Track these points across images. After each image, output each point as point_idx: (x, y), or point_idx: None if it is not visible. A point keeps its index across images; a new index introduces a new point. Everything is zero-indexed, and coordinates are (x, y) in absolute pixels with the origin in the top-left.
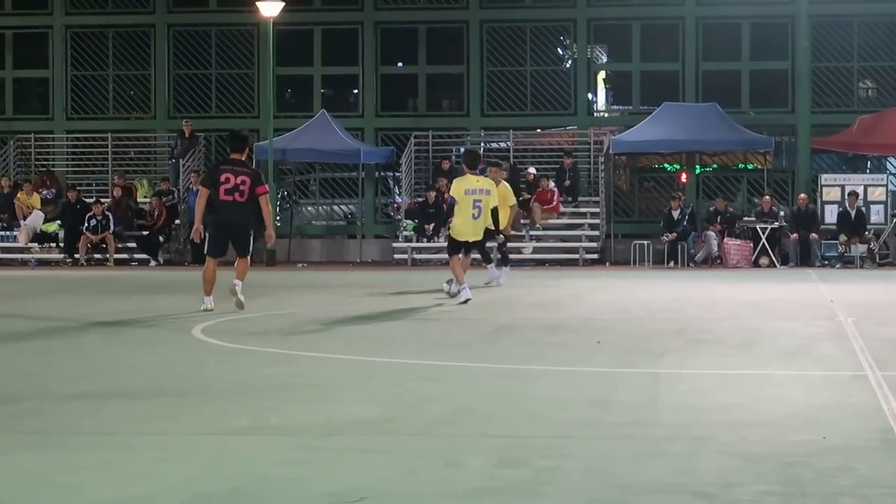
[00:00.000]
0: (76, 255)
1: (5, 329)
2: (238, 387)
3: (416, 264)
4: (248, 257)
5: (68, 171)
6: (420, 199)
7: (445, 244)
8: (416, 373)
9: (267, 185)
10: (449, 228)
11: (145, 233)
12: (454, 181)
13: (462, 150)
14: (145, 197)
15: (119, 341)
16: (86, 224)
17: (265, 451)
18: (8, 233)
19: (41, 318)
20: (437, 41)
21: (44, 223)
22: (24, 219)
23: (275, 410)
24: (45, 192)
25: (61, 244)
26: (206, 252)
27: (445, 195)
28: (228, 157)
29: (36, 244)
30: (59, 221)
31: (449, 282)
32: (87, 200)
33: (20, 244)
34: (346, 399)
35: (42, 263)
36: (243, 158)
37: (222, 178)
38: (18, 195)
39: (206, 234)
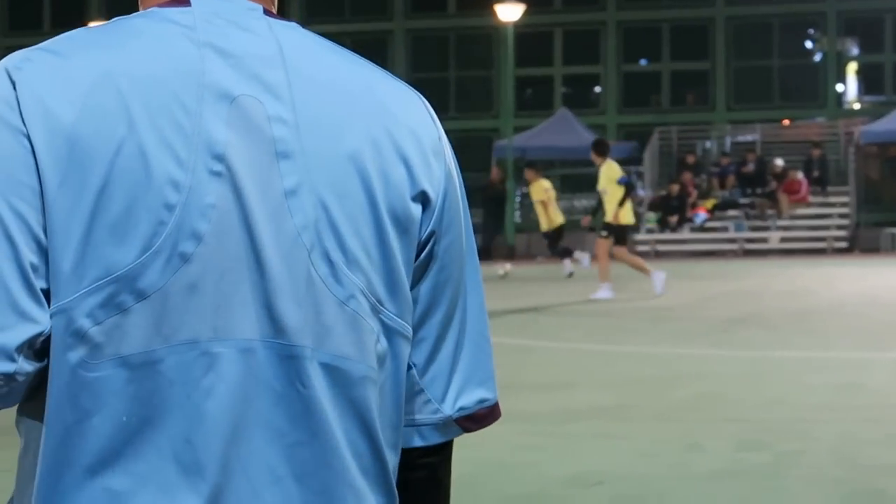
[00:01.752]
0: None
1: None
2: None
3: (659, 255)
4: None
5: None
6: (663, 193)
7: (604, 234)
8: (657, 361)
9: None
10: (615, 216)
11: None
12: (609, 166)
13: (707, 144)
14: None
15: None
16: None
17: (504, 437)
18: None
19: None
20: (681, 38)
21: None
22: None
23: (513, 398)
24: None
25: None
26: None
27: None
28: None
29: None
30: None
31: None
32: None
33: None
34: (585, 386)
35: None
36: None
37: None
38: None
39: None
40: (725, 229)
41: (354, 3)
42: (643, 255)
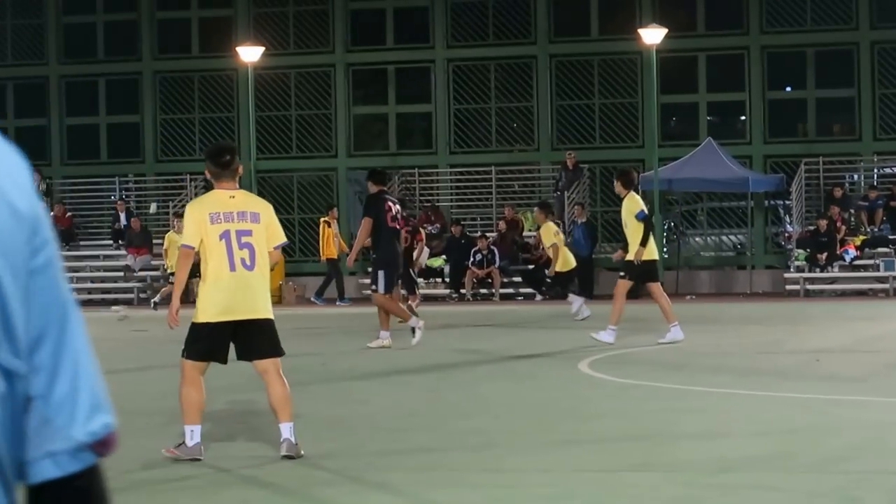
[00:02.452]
0: (462, 291)
1: (392, 365)
2: (626, 422)
3: (809, 295)
4: None
5: (452, 205)
6: (811, 228)
7: (622, 275)
8: (810, 407)
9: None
10: (638, 254)
11: (531, 267)
12: (631, 199)
13: (854, 176)
14: (530, 230)
15: (505, 376)
16: (471, 258)
17: (655, 488)
18: None
19: (427, 353)
20: (827, 64)
21: (429, 258)
22: None
23: (664, 446)
24: (429, 228)
25: (447, 279)
26: (384, 289)
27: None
28: (381, 190)
29: (422, 279)
30: (444, 256)
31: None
32: (472, 235)
33: None
34: (738, 434)
35: (427, 299)
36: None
37: (386, 206)
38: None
39: (381, 269)
40: (876, 268)
41: (498, 28)
42: (793, 295)
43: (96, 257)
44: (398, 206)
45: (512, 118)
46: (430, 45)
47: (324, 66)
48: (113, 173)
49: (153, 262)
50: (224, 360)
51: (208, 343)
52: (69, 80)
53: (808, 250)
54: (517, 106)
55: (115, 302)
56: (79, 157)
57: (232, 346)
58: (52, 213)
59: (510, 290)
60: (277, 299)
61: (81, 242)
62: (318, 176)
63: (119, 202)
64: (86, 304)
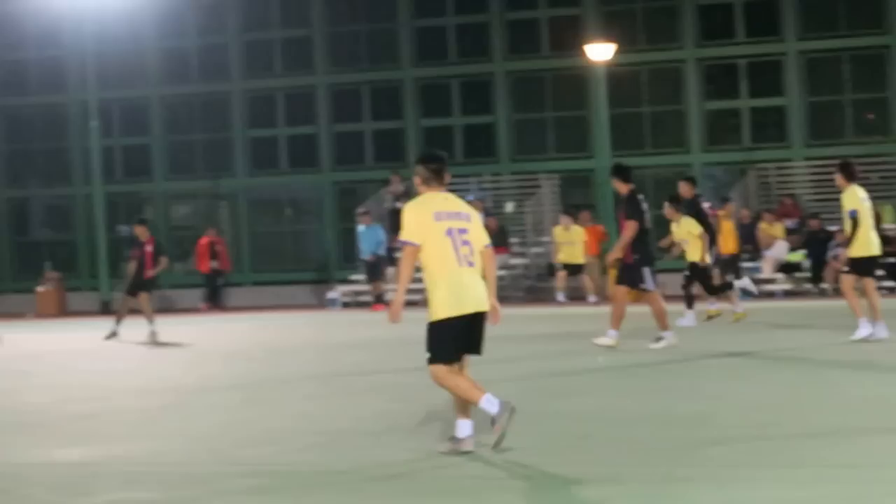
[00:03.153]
0: (823, 285)
1: (752, 362)
2: None
3: None
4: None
5: (809, 199)
6: None
7: (845, 269)
8: None
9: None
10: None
11: (892, 259)
12: (852, 194)
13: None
14: (892, 223)
15: (864, 374)
16: (830, 253)
17: None
18: (753, 263)
19: (788, 349)
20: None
21: (788, 253)
22: (768, 248)
23: None
24: (788, 223)
25: (807, 274)
26: (652, 286)
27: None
28: (632, 188)
29: (781, 274)
30: (803, 251)
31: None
32: (830, 229)
33: (765, 275)
34: None
35: (789, 294)
36: None
37: (643, 207)
38: (760, 225)
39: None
40: None
41: (847, 19)
42: None
43: None
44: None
45: (865, 108)
46: (781, 38)
47: (674, 63)
48: (468, 173)
49: (510, 262)
50: (476, 351)
51: (453, 341)
52: (424, 83)
53: None
54: (871, 97)
55: None
56: None
57: None
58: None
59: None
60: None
61: None
62: (671, 172)
63: (476, 202)
64: None
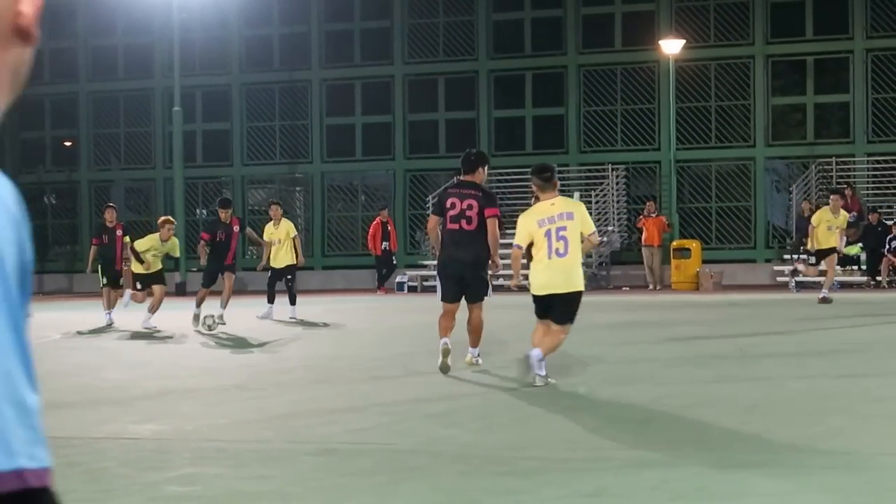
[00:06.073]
0: (878, 278)
1: (808, 353)
2: None
3: None
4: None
5: (869, 194)
6: None
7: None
8: None
9: (497, 209)
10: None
11: None
12: None
13: None
14: None
15: None
16: (887, 247)
17: None
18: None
19: (843, 341)
20: None
21: (846, 246)
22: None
23: None
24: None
25: (863, 267)
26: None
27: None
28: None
29: (839, 267)
30: (860, 244)
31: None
32: (888, 223)
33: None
34: None
35: (844, 286)
36: (476, 181)
37: (448, 203)
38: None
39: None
40: None
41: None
42: None
43: None
44: None
45: None
46: (850, 35)
47: (743, 58)
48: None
49: None
50: (554, 320)
51: (540, 308)
52: (498, 75)
53: None
54: None
55: None
56: (505, 148)
57: None
58: None
59: None
60: (695, 286)
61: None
62: (735, 165)
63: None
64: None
